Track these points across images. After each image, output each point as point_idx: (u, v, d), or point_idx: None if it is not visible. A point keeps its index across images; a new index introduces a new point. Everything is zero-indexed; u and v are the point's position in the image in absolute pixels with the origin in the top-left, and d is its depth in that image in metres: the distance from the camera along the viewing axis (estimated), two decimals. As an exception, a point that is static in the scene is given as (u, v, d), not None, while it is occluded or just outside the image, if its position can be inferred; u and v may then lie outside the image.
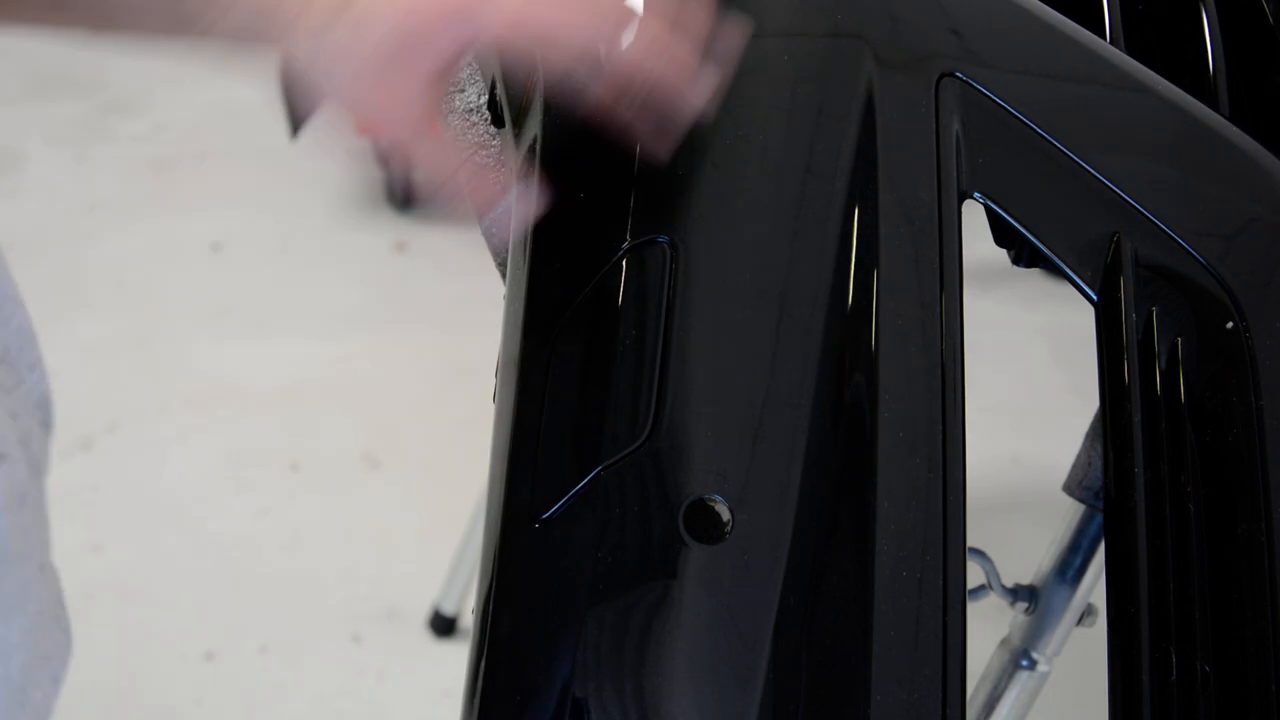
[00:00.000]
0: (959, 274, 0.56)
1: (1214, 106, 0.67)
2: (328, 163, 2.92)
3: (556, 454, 0.53)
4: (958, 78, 0.61)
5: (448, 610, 1.81)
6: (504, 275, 0.68)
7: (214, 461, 2.06)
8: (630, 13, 0.54)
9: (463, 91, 0.72)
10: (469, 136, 0.71)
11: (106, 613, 1.72)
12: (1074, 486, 0.87)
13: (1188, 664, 0.54)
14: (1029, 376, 2.29)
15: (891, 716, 0.48)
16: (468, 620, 1.83)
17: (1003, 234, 0.61)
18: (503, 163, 0.70)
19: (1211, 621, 0.55)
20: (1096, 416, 0.81)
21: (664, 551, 0.50)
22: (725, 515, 0.50)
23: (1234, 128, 0.65)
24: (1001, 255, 0.63)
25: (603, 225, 0.57)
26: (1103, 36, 0.68)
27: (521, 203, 0.61)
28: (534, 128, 0.61)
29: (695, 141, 0.58)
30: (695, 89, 0.56)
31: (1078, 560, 0.90)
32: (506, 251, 0.67)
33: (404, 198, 2.79)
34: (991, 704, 0.97)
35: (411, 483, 1.97)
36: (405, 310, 2.34)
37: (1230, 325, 0.59)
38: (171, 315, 2.31)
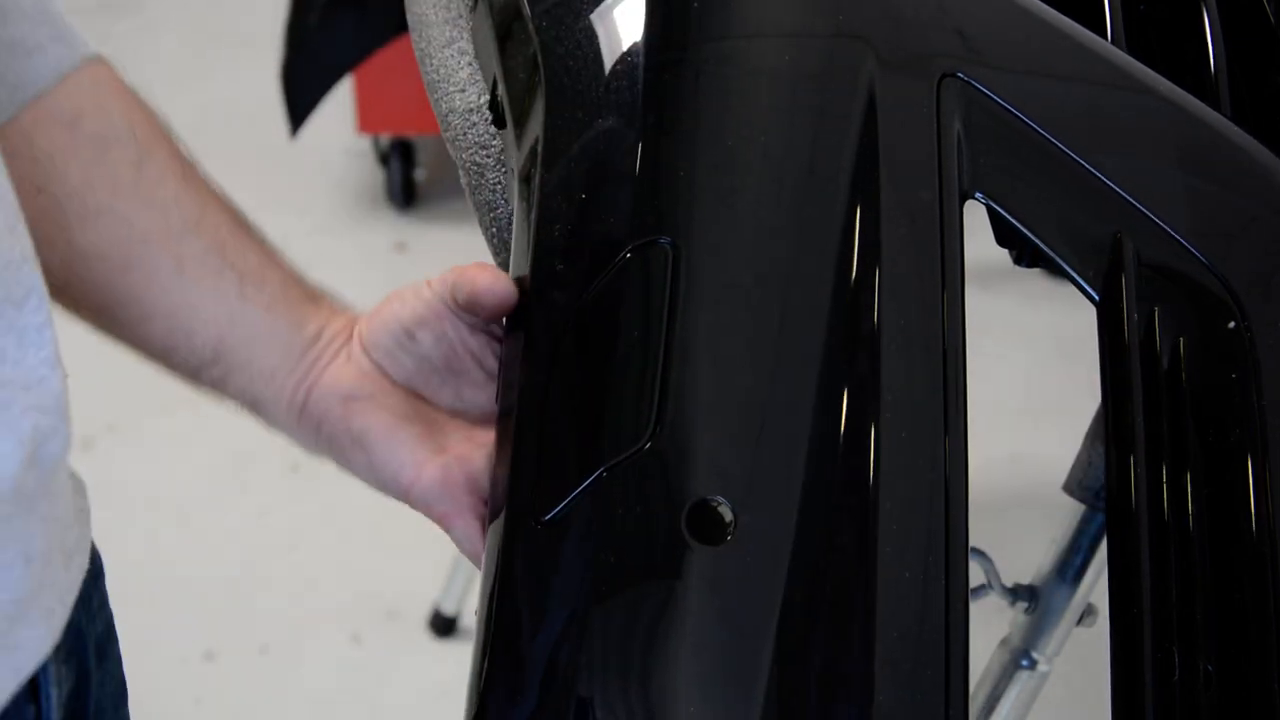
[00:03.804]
0: (960, 274, 0.56)
1: (1215, 106, 0.67)
2: (328, 162, 2.92)
3: (559, 455, 0.53)
4: (959, 78, 0.61)
5: (448, 610, 1.81)
6: (505, 275, 0.68)
7: (214, 461, 2.06)
8: None
9: (463, 92, 0.72)
10: (469, 137, 0.71)
11: (106, 613, 1.72)
12: (1074, 486, 0.88)
13: (1190, 663, 0.54)
14: (1030, 376, 2.29)
15: (894, 716, 0.48)
16: (468, 620, 1.83)
17: (1004, 234, 0.61)
18: (504, 163, 0.70)
19: (1214, 621, 0.55)
20: (1097, 416, 0.81)
21: (667, 553, 0.50)
22: (728, 516, 0.50)
23: (1235, 127, 0.65)
24: (1003, 255, 0.63)
25: (604, 226, 0.57)
26: (1104, 36, 0.68)
27: (523, 203, 0.61)
28: (536, 128, 0.61)
29: (698, 142, 0.58)
30: None
31: (1078, 560, 0.91)
32: (508, 252, 0.67)
33: (404, 198, 2.79)
34: (991, 704, 0.97)
35: (411, 483, 1.97)
36: (405, 310, 2.34)
37: (1232, 325, 0.59)
38: (171, 315, 2.31)
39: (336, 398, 0.63)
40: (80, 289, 0.64)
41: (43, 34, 0.63)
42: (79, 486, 0.64)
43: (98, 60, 0.65)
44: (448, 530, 0.60)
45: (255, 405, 0.66)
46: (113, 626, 0.68)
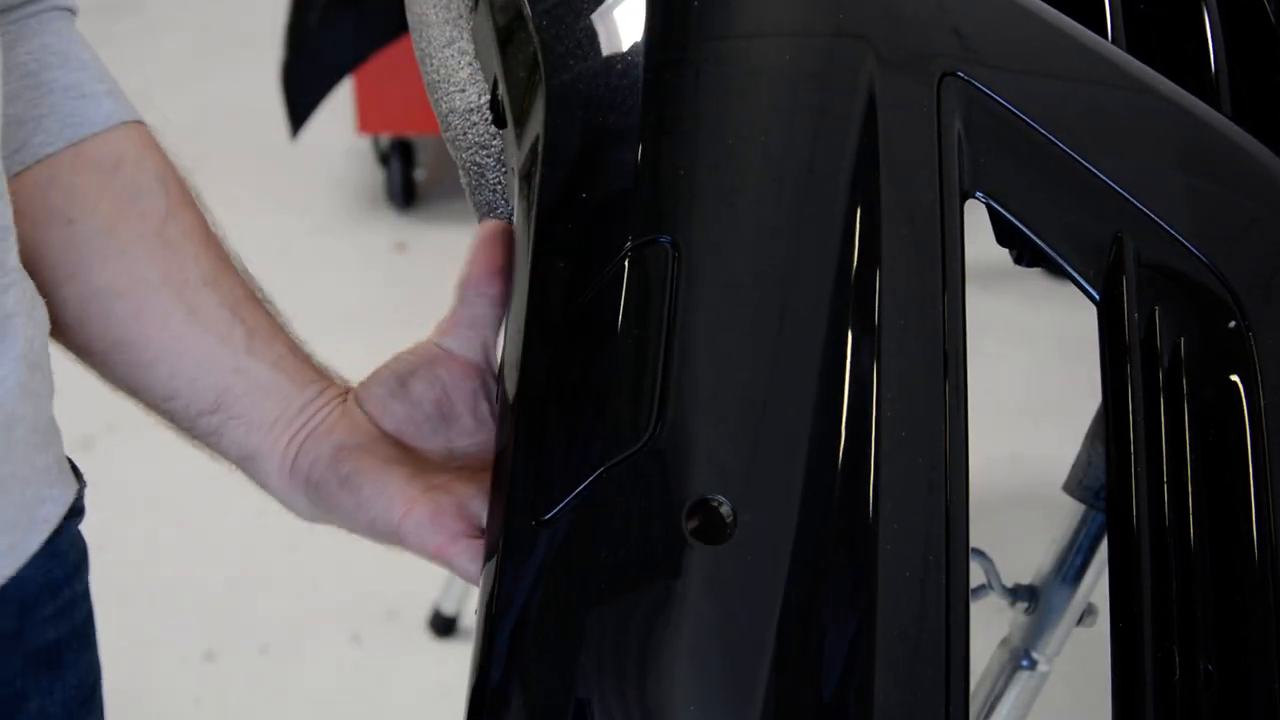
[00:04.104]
0: (961, 273, 0.56)
1: (1216, 106, 0.67)
2: (328, 162, 2.92)
3: (559, 454, 0.53)
4: (959, 77, 0.60)
5: (448, 610, 1.81)
6: (505, 275, 0.68)
7: (213, 461, 2.06)
8: None
9: (463, 92, 0.72)
10: (469, 137, 0.71)
11: (107, 613, 1.72)
12: (1074, 486, 0.88)
13: (1190, 663, 0.54)
14: (1030, 376, 2.29)
15: (895, 716, 0.48)
16: (468, 620, 1.83)
17: (1005, 233, 0.61)
18: (504, 163, 0.70)
19: (1214, 621, 0.55)
20: (1097, 416, 0.81)
21: (667, 552, 0.50)
22: (728, 515, 0.50)
23: (1236, 127, 0.65)
24: (1003, 254, 0.63)
25: (605, 225, 0.57)
26: (1104, 36, 0.68)
27: (524, 202, 0.61)
28: (536, 127, 0.61)
29: (698, 141, 0.58)
30: None
31: (1078, 560, 0.91)
32: (508, 251, 0.67)
33: (404, 198, 2.79)
34: (991, 704, 0.97)
35: (411, 483, 1.97)
36: (406, 310, 2.34)
37: (1233, 325, 0.59)
38: (171, 315, 2.31)
39: (328, 446, 0.64)
40: (94, 326, 0.66)
41: (99, 87, 0.67)
42: (39, 497, 0.64)
43: (144, 126, 0.69)
44: (448, 562, 0.60)
45: (248, 459, 0.67)
46: (81, 633, 0.69)
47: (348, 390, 0.67)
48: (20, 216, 0.63)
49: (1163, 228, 0.60)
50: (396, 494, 0.61)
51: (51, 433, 0.66)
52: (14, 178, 0.64)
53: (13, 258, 0.60)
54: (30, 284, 0.63)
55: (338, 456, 0.64)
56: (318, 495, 0.65)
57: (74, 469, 0.70)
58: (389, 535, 0.63)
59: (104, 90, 0.67)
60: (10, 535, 0.62)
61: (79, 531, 0.70)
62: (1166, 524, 0.56)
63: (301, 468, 0.65)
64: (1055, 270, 0.60)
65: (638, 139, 0.58)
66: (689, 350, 0.53)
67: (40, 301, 0.64)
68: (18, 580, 0.63)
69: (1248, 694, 0.54)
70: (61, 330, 0.66)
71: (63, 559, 0.67)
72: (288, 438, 0.65)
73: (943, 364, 0.54)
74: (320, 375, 0.68)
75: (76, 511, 0.68)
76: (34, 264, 0.65)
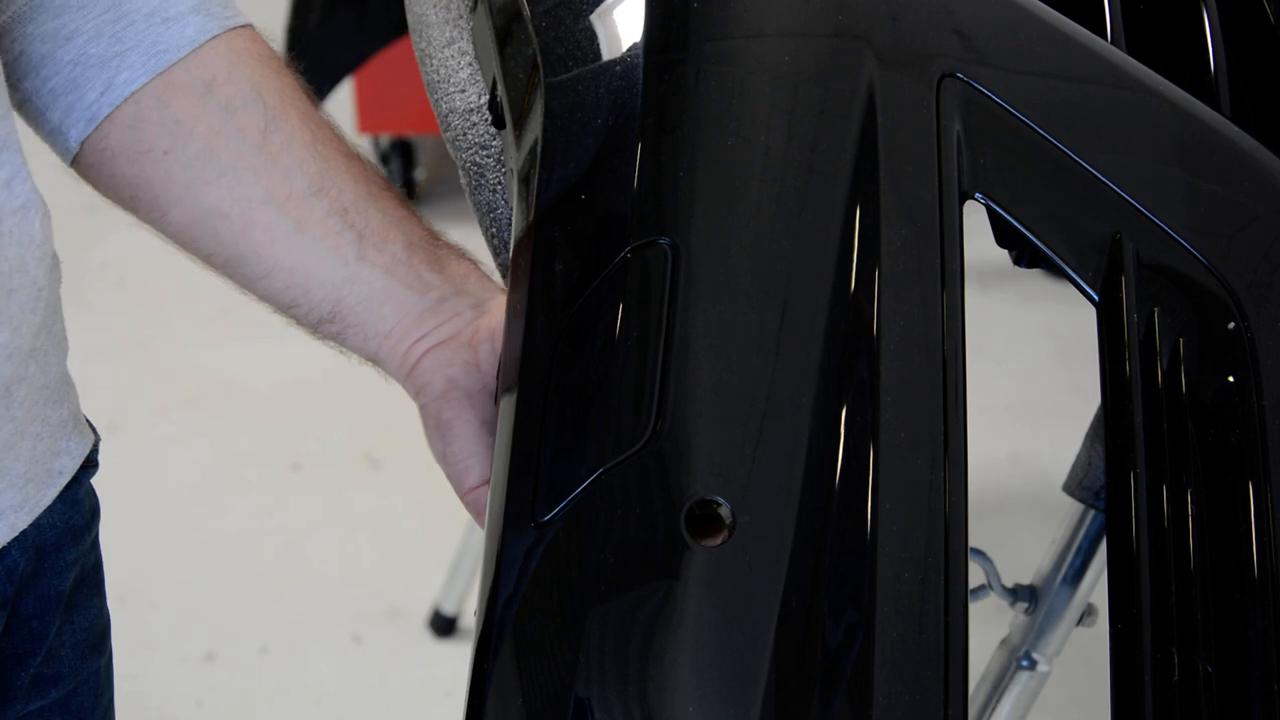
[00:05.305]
0: (960, 274, 0.56)
1: (1215, 106, 0.67)
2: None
3: (559, 455, 0.53)
4: (959, 78, 0.61)
5: (448, 610, 1.81)
6: (505, 276, 0.68)
7: (214, 461, 2.06)
8: None
9: (463, 92, 0.72)
10: (469, 137, 0.71)
11: (107, 613, 1.72)
12: (1074, 486, 0.88)
13: (1190, 664, 0.54)
14: (1029, 376, 2.29)
15: (894, 716, 0.48)
16: (468, 620, 1.83)
17: (1004, 234, 0.61)
18: (503, 164, 0.70)
19: (1213, 622, 0.55)
20: (1097, 416, 0.81)
21: (666, 553, 0.50)
22: (727, 517, 0.50)
23: (1235, 127, 0.65)
24: (1002, 254, 0.63)
25: (604, 227, 0.57)
26: (1104, 36, 0.68)
27: (523, 204, 0.61)
28: (535, 129, 0.61)
29: (697, 142, 0.58)
30: None
31: (1078, 560, 0.91)
32: (508, 252, 0.67)
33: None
34: (991, 704, 0.97)
35: (411, 482, 1.97)
36: (405, 310, 2.34)
37: (1232, 325, 0.59)
38: (171, 315, 2.31)
39: (442, 376, 0.65)
40: (206, 245, 0.67)
41: (184, 5, 0.66)
42: (54, 450, 0.66)
43: (241, 29, 0.68)
44: None
45: (373, 360, 0.68)
46: (92, 579, 0.71)
47: (482, 298, 0.67)
48: (115, 156, 0.64)
49: (1162, 228, 0.60)
50: (476, 465, 0.62)
51: (64, 388, 0.67)
52: (103, 120, 0.64)
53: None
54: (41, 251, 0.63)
55: (447, 394, 0.64)
56: (421, 414, 0.66)
57: (88, 424, 0.71)
58: (456, 491, 0.64)
59: (189, 7, 0.66)
60: (23, 490, 0.63)
61: (91, 483, 0.70)
62: (1166, 524, 0.56)
63: (414, 383, 0.66)
64: (1055, 271, 0.60)
65: (637, 140, 0.58)
66: (688, 352, 0.53)
67: (52, 265, 0.64)
68: (38, 527, 0.64)
69: (1247, 695, 0.54)
70: (179, 248, 0.67)
71: (80, 507, 0.68)
72: (407, 345, 0.66)
73: (942, 364, 0.54)
74: (443, 274, 0.67)
75: (91, 464, 0.69)
76: (136, 197, 0.66)
